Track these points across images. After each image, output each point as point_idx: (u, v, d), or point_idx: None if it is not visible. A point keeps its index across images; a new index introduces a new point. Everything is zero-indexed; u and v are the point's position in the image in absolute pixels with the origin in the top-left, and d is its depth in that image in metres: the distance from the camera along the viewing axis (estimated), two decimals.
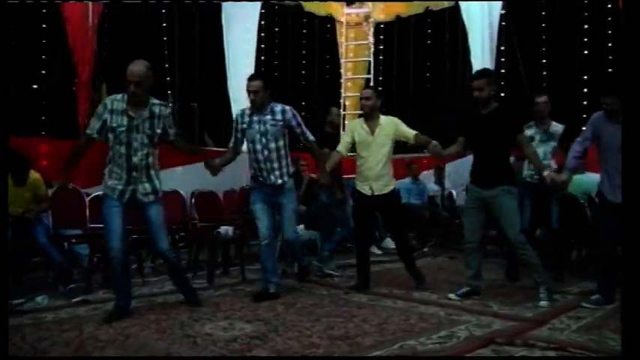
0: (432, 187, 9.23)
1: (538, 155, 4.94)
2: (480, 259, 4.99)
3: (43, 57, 7.74)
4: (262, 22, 9.85)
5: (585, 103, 8.75)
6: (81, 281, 5.00)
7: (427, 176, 9.52)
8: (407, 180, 8.77)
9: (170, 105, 9.17)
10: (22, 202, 5.07)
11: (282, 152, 4.75)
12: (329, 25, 11.20)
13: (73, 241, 5.44)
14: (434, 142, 4.97)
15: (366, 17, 11.13)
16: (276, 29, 10.50)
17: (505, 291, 5.14)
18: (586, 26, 9.00)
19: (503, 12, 9.33)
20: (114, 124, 3.95)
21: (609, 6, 8.66)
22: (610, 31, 8.73)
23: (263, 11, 9.75)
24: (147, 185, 4.10)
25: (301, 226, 6.66)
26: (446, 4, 10.08)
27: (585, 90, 8.88)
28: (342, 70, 11.22)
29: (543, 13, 9.33)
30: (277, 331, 3.78)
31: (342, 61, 11.19)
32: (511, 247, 4.88)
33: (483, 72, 4.97)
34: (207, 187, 7.19)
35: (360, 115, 5.44)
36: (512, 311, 4.39)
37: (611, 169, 4.47)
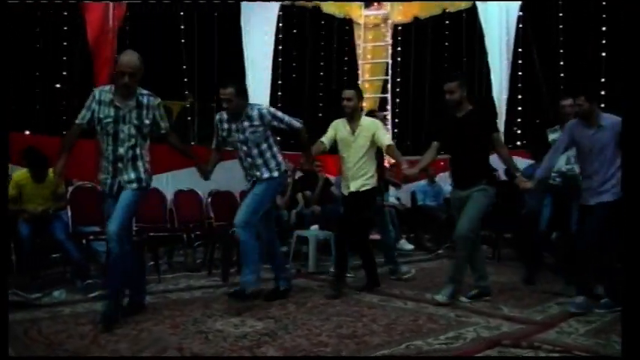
0: (449, 188, 9.20)
1: (512, 158, 4.90)
2: (484, 259, 5.04)
3: (64, 58, 7.90)
4: (280, 25, 9.91)
5: (603, 105, 8.69)
6: (98, 277, 5.11)
7: (444, 178, 9.51)
8: (423, 182, 8.79)
9: (189, 105, 9.38)
10: (41, 200, 5.21)
11: (268, 155, 4.63)
12: (347, 27, 11.24)
13: (91, 237, 5.55)
14: (404, 165, 4.93)
15: (385, 19, 11.15)
16: (294, 31, 10.58)
17: (517, 294, 5.15)
18: (604, 28, 8.94)
19: (520, 13, 9.29)
20: (101, 115, 3.88)
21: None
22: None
23: (281, 13, 9.81)
24: (131, 174, 3.96)
25: (315, 226, 6.73)
26: (463, 6, 10.06)
27: (603, 92, 8.81)
28: (359, 72, 11.26)
29: (561, 14, 9.28)
30: (287, 329, 3.85)
31: (360, 62, 11.23)
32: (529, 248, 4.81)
33: (455, 75, 5.01)
34: (224, 186, 7.28)
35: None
36: (522, 314, 4.40)
37: (589, 175, 4.48)
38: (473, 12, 9.85)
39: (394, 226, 8.03)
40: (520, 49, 9.47)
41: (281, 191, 7.09)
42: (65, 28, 7.90)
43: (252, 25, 9.39)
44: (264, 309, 4.44)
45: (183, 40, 9.18)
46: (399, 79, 11.30)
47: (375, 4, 11.05)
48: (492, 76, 9.47)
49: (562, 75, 9.29)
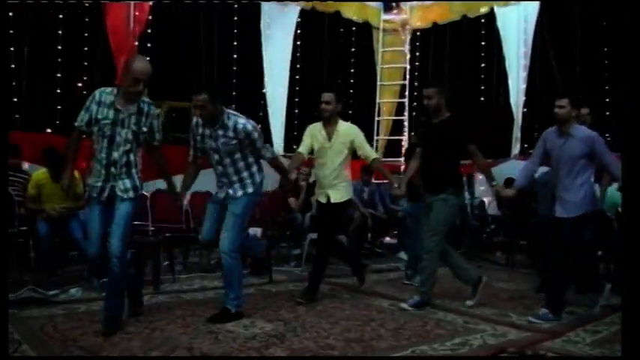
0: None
1: (489, 166, 4.90)
2: (457, 265, 5.03)
3: (85, 63, 8.07)
4: (299, 31, 9.99)
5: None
6: None
7: None
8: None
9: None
10: (59, 199, 5.34)
11: (240, 165, 4.28)
12: (365, 32, 11.29)
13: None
14: (395, 184, 4.96)
15: (403, 24, 11.16)
16: (313, 36, 10.65)
17: (527, 302, 5.16)
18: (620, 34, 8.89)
19: (539, 19, 9.27)
20: (99, 116, 3.78)
21: None
22: None
23: (299, 20, 9.90)
24: (127, 182, 3.86)
25: None
26: (482, 11, 10.06)
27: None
28: (377, 77, 11.29)
29: (579, 20, 9.24)
30: (295, 332, 3.92)
31: (378, 67, 11.27)
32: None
33: (434, 81, 5.07)
34: None
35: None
36: (530, 322, 4.43)
37: (558, 182, 4.52)
38: (491, 18, 9.85)
39: (408, 232, 8.11)
40: (538, 55, 9.44)
41: (293, 193, 7.20)
42: (86, 35, 8.06)
43: (272, 30, 9.48)
44: (275, 311, 4.52)
45: (202, 44, 9.30)
46: (416, 84, 11.32)
47: (395, 9, 11.07)
48: (510, 82, 9.45)
49: (579, 81, 9.24)
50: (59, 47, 7.69)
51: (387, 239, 8.89)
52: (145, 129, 3.90)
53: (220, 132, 4.19)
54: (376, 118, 10.99)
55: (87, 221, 3.95)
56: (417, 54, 11.34)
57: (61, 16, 7.79)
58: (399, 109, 11.19)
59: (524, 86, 9.32)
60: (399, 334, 3.97)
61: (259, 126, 5.08)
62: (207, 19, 9.29)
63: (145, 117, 3.89)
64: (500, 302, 5.11)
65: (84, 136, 3.95)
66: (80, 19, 8.03)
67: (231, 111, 4.30)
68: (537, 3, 9.20)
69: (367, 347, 3.64)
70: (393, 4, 11.02)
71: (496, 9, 9.65)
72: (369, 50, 11.34)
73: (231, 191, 4.30)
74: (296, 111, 10.06)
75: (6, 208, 3.83)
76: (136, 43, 7.66)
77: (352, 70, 11.24)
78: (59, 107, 7.79)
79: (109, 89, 3.89)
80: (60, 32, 7.78)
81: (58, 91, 7.78)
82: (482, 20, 10.21)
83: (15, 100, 7.32)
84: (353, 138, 4.97)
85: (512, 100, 9.38)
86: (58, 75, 7.82)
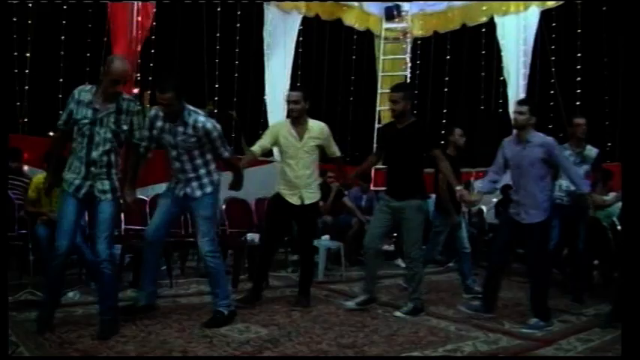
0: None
1: (451, 171, 4.95)
2: (377, 268, 5.08)
3: (88, 69, 8.15)
4: (300, 38, 10.05)
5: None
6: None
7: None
8: (434, 196, 8.82)
9: (207, 112, 9.56)
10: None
11: (198, 162, 4.21)
12: (367, 40, 11.35)
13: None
14: (350, 181, 5.02)
15: (404, 33, 11.23)
16: (315, 43, 10.72)
17: (521, 310, 5.17)
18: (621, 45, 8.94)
19: (538, 29, 9.32)
20: (78, 116, 3.77)
21: None
22: None
23: (301, 27, 9.96)
24: (106, 183, 3.83)
25: (326, 236, 6.85)
26: (482, 20, 10.12)
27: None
28: (378, 84, 11.35)
29: (579, 30, 9.29)
30: (289, 336, 3.97)
31: (379, 75, 11.33)
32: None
33: (400, 86, 5.12)
34: (239, 194, 7.41)
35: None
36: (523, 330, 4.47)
37: (517, 189, 4.61)
38: (492, 27, 9.91)
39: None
40: (538, 65, 9.49)
41: None
42: (89, 40, 8.14)
43: (274, 37, 9.54)
44: (270, 316, 4.56)
45: (205, 50, 9.38)
46: (416, 92, 11.37)
47: (396, 17, 11.13)
48: (508, 91, 9.50)
49: (579, 90, 9.29)
50: (62, 52, 7.76)
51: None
52: (125, 127, 3.87)
53: (180, 128, 4.11)
54: (376, 126, 11.02)
55: (59, 213, 3.90)
56: (418, 62, 11.40)
57: (64, 22, 7.87)
58: None
59: (523, 95, 9.35)
60: (392, 340, 4.02)
61: (261, 132, 5.11)
62: (209, 26, 9.37)
63: (125, 114, 3.86)
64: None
65: (67, 136, 3.93)
66: (83, 24, 8.11)
67: (192, 107, 4.22)
68: (537, 13, 9.25)
69: (359, 353, 3.69)
70: (395, 12, 11.08)
71: (496, 18, 9.71)
72: (370, 58, 11.41)
73: (189, 190, 4.23)
74: None
75: (6, 212, 3.80)
76: (139, 49, 7.72)
77: (353, 78, 11.31)
78: (61, 112, 7.84)
79: (88, 87, 3.88)
80: (63, 37, 7.85)
81: (60, 96, 7.84)
82: (483, 29, 10.28)
83: (18, 104, 7.38)
84: (324, 136, 4.96)
85: (511, 109, 9.41)
86: (61, 80, 7.90)
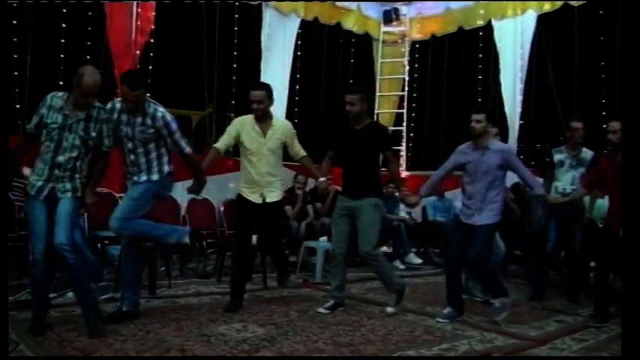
0: (458, 204, 9.29)
1: (399, 176, 5.05)
2: (345, 271, 5.11)
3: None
4: (299, 42, 10.10)
5: None
6: (110, 280, 5.31)
7: (456, 194, 9.60)
8: (433, 198, 8.88)
9: (207, 114, 9.63)
10: None
11: (153, 155, 4.22)
12: (365, 43, 11.41)
13: (107, 242, 5.77)
14: (321, 179, 5.00)
15: (402, 36, 11.29)
16: (313, 47, 10.77)
17: (518, 310, 5.21)
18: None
19: (535, 32, 9.37)
20: (48, 121, 3.80)
21: None
22: None
23: (300, 31, 10.00)
24: (67, 184, 3.86)
25: (324, 238, 6.89)
26: (479, 24, 10.18)
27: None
28: (377, 87, 11.41)
29: (576, 34, 9.34)
30: (286, 335, 4.01)
31: (378, 78, 11.39)
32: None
33: (356, 87, 5.16)
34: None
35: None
36: (518, 330, 4.51)
37: (473, 193, 4.70)
38: (489, 30, 9.96)
39: (403, 241, 8.21)
40: (535, 68, 9.54)
41: (289, 201, 7.30)
42: (89, 43, 8.18)
43: (272, 41, 9.58)
44: (267, 315, 4.61)
45: (204, 54, 9.44)
46: (415, 95, 11.44)
47: (394, 21, 11.19)
48: (504, 93, 9.54)
49: (576, 94, 9.34)
50: (62, 55, 7.80)
51: (384, 248, 8.95)
52: (93, 134, 3.91)
53: (139, 119, 4.12)
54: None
55: (31, 218, 3.90)
56: (416, 65, 11.46)
57: (64, 25, 7.91)
58: (398, 119, 11.30)
59: (520, 98, 9.41)
60: (388, 339, 4.06)
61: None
62: (208, 29, 9.42)
63: (94, 122, 3.91)
64: (491, 310, 5.17)
65: (34, 140, 3.94)
66: (83, 27, 8.16)
67: (151, 100, 4.25)
68: (534, 17, 9.31)
69: (355, 351, 3.73)
70: (393, 15, 11.14)
71: (493, 22, 9.77)
72: (368, 61, 11.46)
73: (135, 177, 4.22)
74: (295, 121, 10.15)
75: (6, 213, 3.81)
76: (138, 52, 7.77)
77: (351, 81, 11.34)
78: None
79: (60, 94, 3.92)
80: (63, 41, 7.89)
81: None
82: (480, 33, 10.32)
83: (18, 106, 7.43)
84: (287, 134, 4.91)
85: (508, 112, 9.46)
86: (60, 83, 7.94)
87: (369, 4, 10.88)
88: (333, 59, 11.14)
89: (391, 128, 11.22)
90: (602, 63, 9.21)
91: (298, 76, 10.31)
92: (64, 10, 7.89)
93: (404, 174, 10.33)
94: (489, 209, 4.64)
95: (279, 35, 9.64)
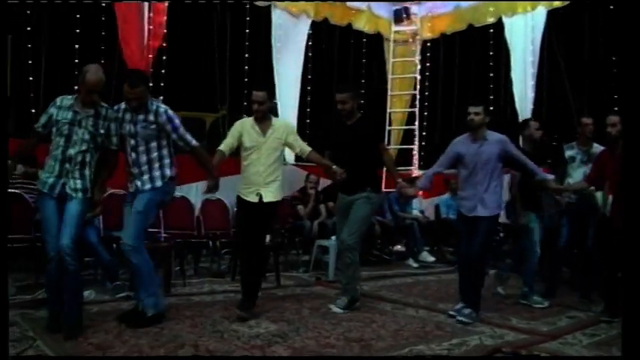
0: None
1: (395, 164, 5.19)
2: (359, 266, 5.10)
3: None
4: (310, 43, 10.16)
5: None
6: (126, 279, 5.39)
7: None
8: (446, 196, 8.90)
9: (220, 116, 9.70)
10: None
11: (154, 155, 4.22)
12: (376, 43, 11.43)
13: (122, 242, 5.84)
14: (334, 167, 4.80)
15: (414, 35, 11.31)
16: (324, 47, 10.82)
17: (529, 306, 5.23)
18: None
19: (546, 29, 9.34)
20: (58, 117, 3.90)
21: None
22: None
23: (310, 32, 10.06)
24: (78, 182, 3.91)
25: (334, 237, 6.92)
26: (489, 21, 10.17)
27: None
28: (388, 86, 11.43)
29: (587, 29, 9.32)
30: (298, 331, 4.07)
31: (389, 77, 11.41)
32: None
33: (346, 86, 5.23)
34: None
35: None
36: (529, 325, 4.52)
37: (474, 184, 4.72)
38: (500, 28, 9.94)
39: (416, 239, 8.23)
40: (546, 64, 9.51)
41: (302, 200, 7.34)
42: (103, 47, 8.30)
43: (283, 42, 9.64)
44: (280, 313, 4.67)
45: (216, 56, 9.53)
46: (426, 93, 11.45)
47: (405, 20, 11.21)
48: (514, 90, 9.51)
49: (587, 90, 9.30)
50: (76, 60, 7.91)
51: (398, 247, 8.99)
52: (102, 131, 3.99)
53: (141, 116, 4.17)
54: (387, 128, 11.09)
55: (43, 216, 3.96)
56: (428, 64, 11.47)
57: (77, 30, 8.03)
58: (410, 118, 11.32)
59: (532, 95, 9.38)
60: (399, 334, 4.10)
61: None
62: (219, 31, 9.51)
63: (103, 120, 4.01)
64: (503, 306, 5.21)
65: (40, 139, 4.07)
66: (97, 32, 8.28)
67: (154, 99, 4.32)
68: (545, 13, 9.28)
69: (366, 347, 3.77)
70: (404, 15, 11.17)
71: (504, 19, 9.75)
72: (380, 61, 11.49)
73: (139, 183, 4.22)
74: (307, 121, 10.21)
75: (7, 211, 3.82)
76: (151, 56, 7.86)
77: (363, 81, 11.38)
78: None
79: (69, 96, 4.03)
80: (77, 46, 8.01)
81: None
82: (491, 30, 10.29)
83: (33, 111, 7.54)
84: (288, 134, 4.84)
85: (519, 109, 9.44)
86: (75, 87, 8.05)
87: (379, 3, 10.90)
88: (344, 59, 11.18)
89: (403, 127, 11.29)
90: (613, 58, 9.16)
91: (310, 77, 10.36)
92: (78, 16, 8.02)
93: (416, 172, 10.30)
94: (493, 200, 4.68)
95: (290, 37, 9.70)
